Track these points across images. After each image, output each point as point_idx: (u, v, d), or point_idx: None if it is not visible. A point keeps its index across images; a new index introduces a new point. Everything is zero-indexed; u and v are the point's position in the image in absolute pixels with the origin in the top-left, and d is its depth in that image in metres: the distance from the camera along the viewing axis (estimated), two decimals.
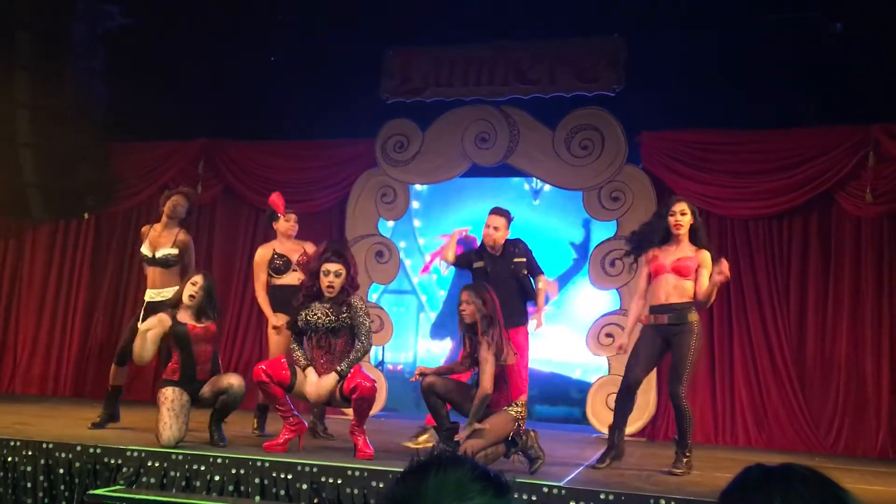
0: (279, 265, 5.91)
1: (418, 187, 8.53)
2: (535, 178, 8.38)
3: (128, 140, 8.36)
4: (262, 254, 5.97)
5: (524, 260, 5.55)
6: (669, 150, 7.34)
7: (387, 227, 8.12)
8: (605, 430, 7.03)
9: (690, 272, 4.91)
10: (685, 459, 4.82)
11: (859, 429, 6.66)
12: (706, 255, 4.94)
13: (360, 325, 4.86)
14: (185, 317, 5.10)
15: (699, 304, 4.94)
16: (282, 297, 5.68)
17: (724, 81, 7.04)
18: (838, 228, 6.94)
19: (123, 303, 8.55)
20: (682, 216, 4.95)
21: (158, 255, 5.79)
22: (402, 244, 8.42)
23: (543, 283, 5.62)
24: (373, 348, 7.28)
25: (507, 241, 5.57)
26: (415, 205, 8.63)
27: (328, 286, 4.81)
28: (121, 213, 8.62)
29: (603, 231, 7.65)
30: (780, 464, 1.32)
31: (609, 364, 7.27)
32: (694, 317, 4.90)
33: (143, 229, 6.09)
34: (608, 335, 7.23)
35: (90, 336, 8.52)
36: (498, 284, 5.11)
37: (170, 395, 4.91)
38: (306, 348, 4.94)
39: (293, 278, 5.68)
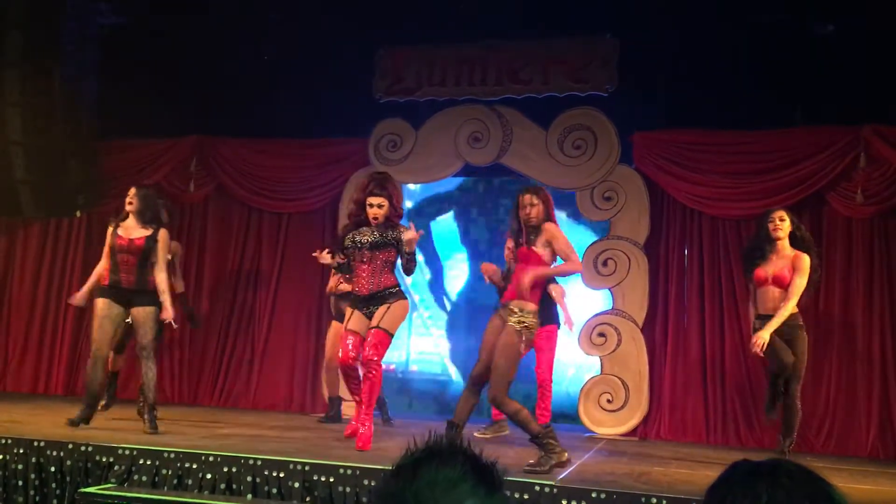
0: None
1: (411, 186, 8.53)
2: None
3: (120, 138, 8.33)
4: None
5: None
6: (661, 151, 7.37)
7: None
8: (596, 429, 7.08)
9: (787, 279, 5.28)
10: (789, 444, 5.32)
11: (850, 428, 6.69)
12: (801, 259, 5.28)
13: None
14: (129, 224, 5.65)
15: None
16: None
17: (717, 82, 7.07)
18: (829, 229, 6.97)
19: None
20: (781, 221, 5.33)
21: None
22: None
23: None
24: None
25: None
26: (407, 204, 8.63)
27: (373, 217, 5.09)
28: (112, 211, 8.57)
29: (596, 231, 7.67)
30: (767, 459, 1.33)
31: (602, 363, 7.29)
32: (801, 320, 5.32)
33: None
34: (601, 335, 7.24)
35: (82, 335, 8.49)
36: None
37: (100, 306, 5.56)
38: (353, 266, 5.20)
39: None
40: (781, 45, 6.95)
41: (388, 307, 5.02)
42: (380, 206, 5.07)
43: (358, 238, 5.11)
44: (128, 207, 5.67)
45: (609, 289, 7.38)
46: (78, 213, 8.50)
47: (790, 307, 5.20)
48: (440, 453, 1.11)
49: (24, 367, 8.51)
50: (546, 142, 7.55)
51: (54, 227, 8.68)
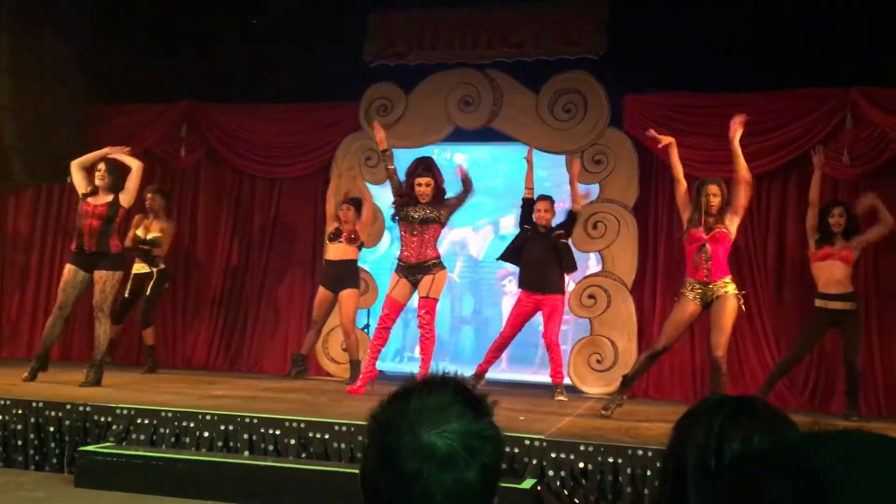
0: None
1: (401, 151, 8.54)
2: None
3: (111, 103, 8.31)
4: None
5: (561, 231, 6.57)
6: (652, 114, 7.39)
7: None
8: (586, 389, 7.20)
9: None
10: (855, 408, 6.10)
11: (833, 386, 6.81)
12: None
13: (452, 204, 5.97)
14: (99, 193, 6.18)
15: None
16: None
17: (706, 45, 7.08)
18: None
19: None
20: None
21: None
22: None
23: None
24: (357, 311, 7.39)
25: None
26: None
27: (422, 195, 5.85)
28: None
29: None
30: (738, 396, 1.39)
31: (591, 325, 7.39)
32: None
33: None
34: (590, 297, 7.34)
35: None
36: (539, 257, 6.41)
37: (65, 273, 6.24)
38: (402, 236, 6.03)
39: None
40: (770, 6, 6.96)
41: (434, 277, 5.85)
42: (427, 185, 5.83)
43: (411, 213, 5.86)
44: (99, 183, 6.19)
45: (599, 251, 7.46)
46: (69, 179, 8.48)
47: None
48: (432, 383, 1.18)
49: (18, 333, 8.56)
50: (536, 105, 7.57)
51: (46, 193, 8.69)
